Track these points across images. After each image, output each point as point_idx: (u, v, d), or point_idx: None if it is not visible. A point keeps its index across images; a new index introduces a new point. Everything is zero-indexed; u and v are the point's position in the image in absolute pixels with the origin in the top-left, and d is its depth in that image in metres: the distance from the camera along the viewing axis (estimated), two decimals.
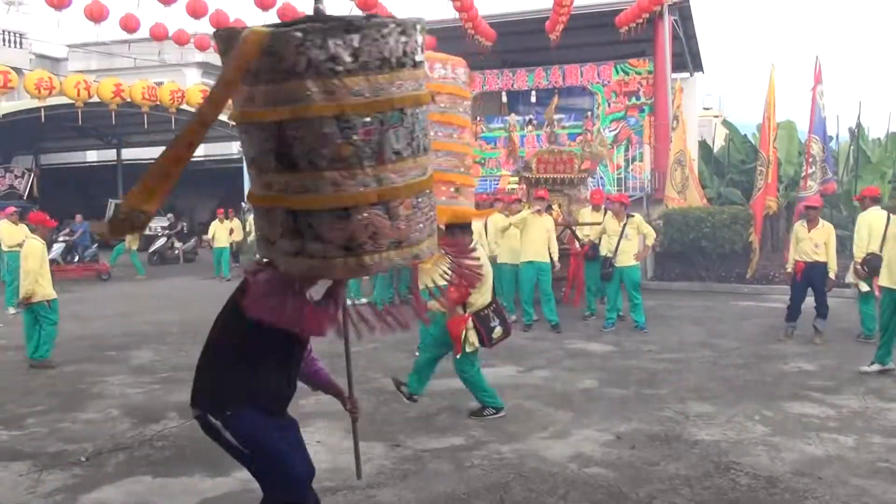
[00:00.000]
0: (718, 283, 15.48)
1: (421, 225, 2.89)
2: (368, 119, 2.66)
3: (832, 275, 9.57)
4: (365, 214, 2.72)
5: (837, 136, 19.21)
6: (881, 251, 8.62)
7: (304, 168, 2.69)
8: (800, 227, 9.75)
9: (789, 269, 9.98)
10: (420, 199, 2.88)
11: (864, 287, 9.54)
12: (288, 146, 2.68)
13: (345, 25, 2.61)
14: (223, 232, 19.10)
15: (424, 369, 6.80)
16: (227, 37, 2.73)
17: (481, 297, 6.32)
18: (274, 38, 2.58)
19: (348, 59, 2.61)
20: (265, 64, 2.61)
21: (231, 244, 19.53)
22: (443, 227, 5.97)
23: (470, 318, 6.31)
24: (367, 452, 5.69)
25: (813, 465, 5.38)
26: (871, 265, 8.96)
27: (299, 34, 2.57)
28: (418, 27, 2.80)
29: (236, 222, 19.93)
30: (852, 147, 18.16)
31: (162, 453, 5.87)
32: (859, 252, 9.21)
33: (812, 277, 9.64)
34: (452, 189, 6.02)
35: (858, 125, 18.10)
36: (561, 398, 7.19)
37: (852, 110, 41.63)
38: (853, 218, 15.99)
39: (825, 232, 9.55)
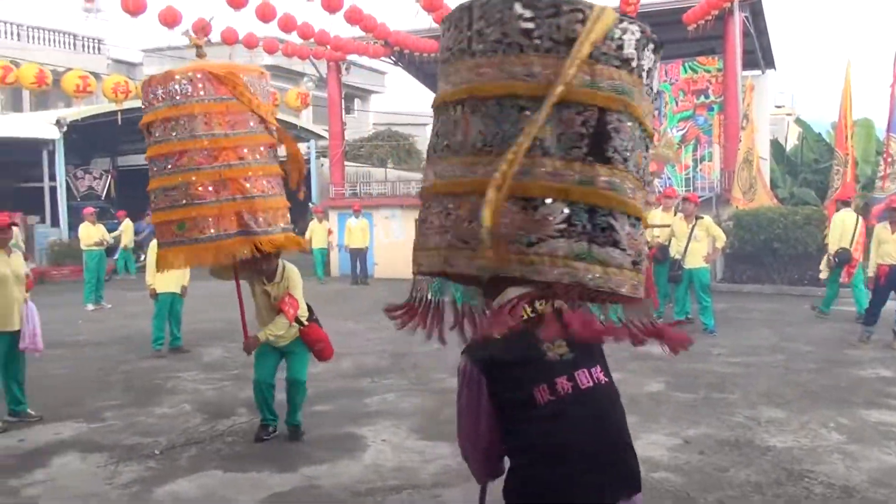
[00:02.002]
0: (791, 285, 15.08)
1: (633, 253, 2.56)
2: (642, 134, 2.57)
3: None
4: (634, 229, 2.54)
5: None
6: (851, 246, 10.77)
7: (618, 164, 2.49)
8: (882, 228, 9.43)
9: (871, 273, 9.66)
10: (635, 226, 2.56)
11: (824, 274, 11.64)
12: (608, 136, 2.49)
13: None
14: (322, 232, 18.36)
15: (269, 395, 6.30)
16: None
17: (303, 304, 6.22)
18: (620, 25, 2.46)
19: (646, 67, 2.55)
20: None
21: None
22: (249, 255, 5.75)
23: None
24: (432, 452, 5.73)
25: (891, 474, 5.20)
26: (842, 258, 10.91)
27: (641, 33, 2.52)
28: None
29: (325, 223, 18.77)
30: None
31: (232, 448, 6.00)
32: (833, 247, 11.01)
33: None
34: (282, 214, 5.94)
35: None
36: (627, 401, 7.01)
37: None
38: None
39: None
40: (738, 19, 17.02)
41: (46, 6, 32.83)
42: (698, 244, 10.47)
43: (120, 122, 19.01)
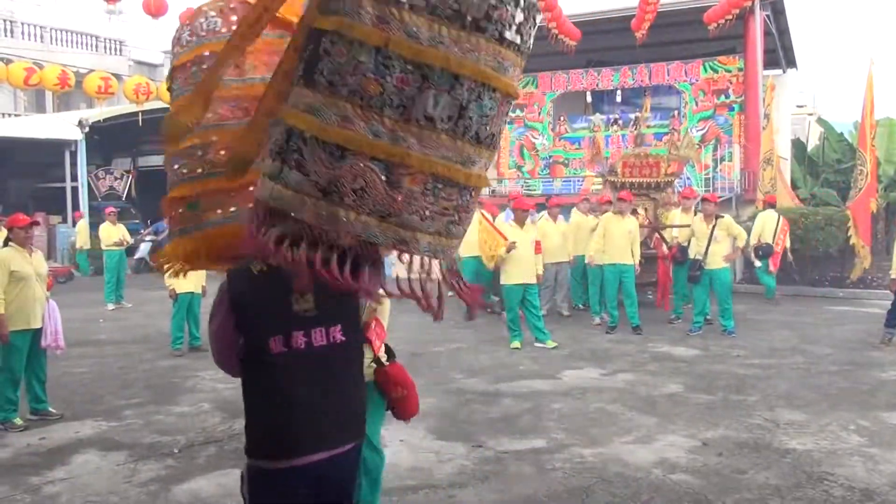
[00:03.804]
0: (811, 286, 14.93)
1: (429, 214, 2.46)
2: (410, 67, 2.33)
3: None
4: (361, 164, 2.37)
5: None
6: (773, 241, 12.80)
7: (321, 88, 2.40)
8: None
9: (894, 276, 9.55)
10: (441, 188, 2.46)
11: (758, 263, 13.20)
12: (317, 59, 2.41)
13: None
14: None
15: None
16: None
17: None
18: None
19: None
20: None
21: None
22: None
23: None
24: (448, 452, 5.74)
25: None
26: (763, 251, 12.84)
27: None
28: (523, 2, 2.44)
29: None
30: None
31: None
32: (753, 240, 12.80)
33: None
34: None
35: None
36: (645, 402, 7.07)
37: None
38: None
39: None
40: (759, 18, 16.88)
41: (69, 8, 33.07)
42: (718, 245, 10.36)
43: (141, 123, 19.20)
